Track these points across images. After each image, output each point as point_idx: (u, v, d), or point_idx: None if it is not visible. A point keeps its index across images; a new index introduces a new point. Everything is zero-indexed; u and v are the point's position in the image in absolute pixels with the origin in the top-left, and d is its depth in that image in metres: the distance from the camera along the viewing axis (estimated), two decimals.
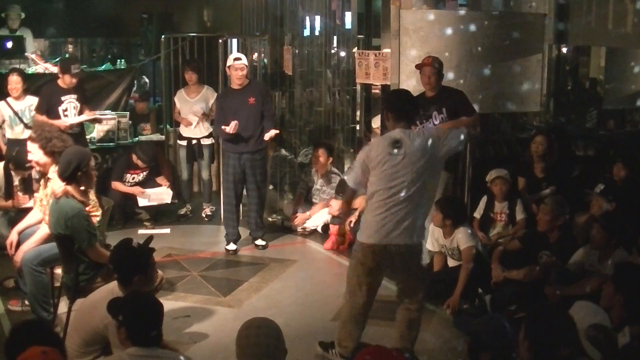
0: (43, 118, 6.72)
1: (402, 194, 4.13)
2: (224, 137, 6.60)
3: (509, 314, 4.84)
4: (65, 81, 6.87)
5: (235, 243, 6.79)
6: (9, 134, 6.98)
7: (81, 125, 7.19)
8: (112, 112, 8.14)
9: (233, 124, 6.36)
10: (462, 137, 4.27)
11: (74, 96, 6.98)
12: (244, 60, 6.57)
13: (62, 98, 6.90)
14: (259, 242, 6.88)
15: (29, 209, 5.37)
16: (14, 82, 6.93)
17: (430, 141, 4.19)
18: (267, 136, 6.56)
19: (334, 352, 4.54)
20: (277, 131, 6.72)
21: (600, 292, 4.24)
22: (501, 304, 5.11)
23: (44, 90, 7.04)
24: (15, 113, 6.95)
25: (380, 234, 4.17)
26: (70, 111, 6.97)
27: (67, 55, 10.12)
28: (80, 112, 7.05)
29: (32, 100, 7.01)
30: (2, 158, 6.29)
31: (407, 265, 4.30)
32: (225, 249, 6.76)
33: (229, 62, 6.55)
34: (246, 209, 7.05)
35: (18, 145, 6.21)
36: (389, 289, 4.99)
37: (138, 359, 3.05)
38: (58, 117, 6.85)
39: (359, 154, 4.43)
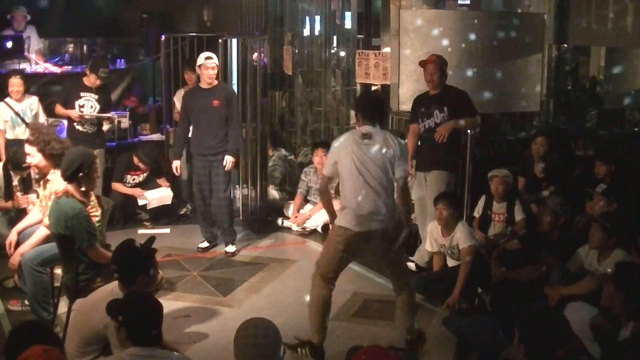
0: (60, 109, 6.96)
1: (372, 181, 4.42)
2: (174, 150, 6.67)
3: (509, 314, 4.84)
4: (90, 80, 7.05)
5: (209, 242, 6.80)
6: (10, 135, 6.97)
7: (98, 125, 7.20)
8: (113, 112, 8.11)
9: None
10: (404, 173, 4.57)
11: (94, 96, 7.08)
12: (215, 60, 6.50)
13: (82, 94, 7.04)
14: (229, 248, 6.68)
15: (27, 210, 5.38)
16: (16, 85, 6.93)
17: (393, 155, 4.47)
18: (226, 164, 6.42)
19: (305, 352, 4.61)
20: (233, 160, 6.50)
21: (599, 292, 4.25)
22: (501, 304, 5.11)
23: (68, 82, 7.39)
24: (17, 114, 6.94)
25: (357, 222, 4.42)
26: (87, 109, 7.06)
27: (68, 57, 10.12)
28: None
29: (32, 100, 7.04)
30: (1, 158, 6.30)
31: (383, 247, 4.56)
32: (198, 247, 6.78)
33: (200, 60, 6.48)
34: (214, 212, 6.72)
35: (16, 146, 6.22)
36: (389, 289, 5.00)
37: (138, 359, 3.05)
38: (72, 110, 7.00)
39: (331, 151, 4.62)
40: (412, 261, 6.27)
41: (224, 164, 6.44)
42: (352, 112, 7.76)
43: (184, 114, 6.59)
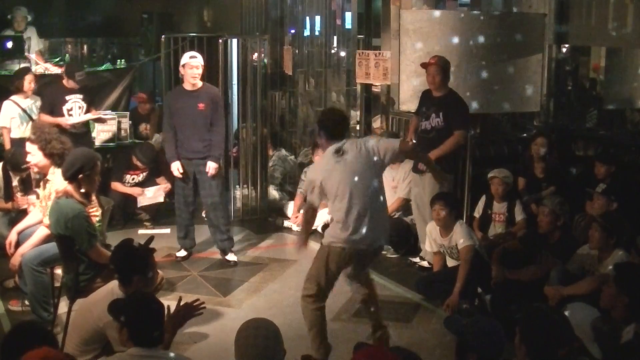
0: (47, 117, 6.75)
1: (356, 197, 4.30)
2: (167, 154, 6.37)
3: (509, 314, 4.84)
4: (69, 83, 6.96)
5: (186, 250, 6.52)
6: (16, 134, 6.88)
7: (87, 125, 7.18)
8: (112, 112, 8.12)
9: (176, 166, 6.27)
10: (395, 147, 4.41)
11: (79, 96, 7.01)
12: (200, 60, 6.21)
13: (67, 97, 6.94)
14: (231, 257, 6.49)
15: (28, 210, 5.38)
16: (32, 81, 6.91)
17: (370, 148, 4.36)
18: (209, 171, 6.20)
19: None
20: (217, 166, 6.24)
21: (600, 293, 4.25)
22: (501, 304, 5.11)
23: (49, 89, 7.13)
24: (24, 110, 6.91)
25: (348, 238, 4.32)
26: (75, 111, 6.99)
27: (68, 57, 10.11)
28: (87, 113, 7.10)
29: (36, 97, 7.02)
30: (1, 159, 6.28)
31: (367, 263, 4.58)
32: (175, 255, 6.52)
33: (184, 60, 6.20)
34: (210, 218, 6.55)
35: (16, 146, 6.21)
36: (389, 289, 5.01)
37: (139, 359, 3.06)
38: (62, 116, 6.90)
39: (309, 174, 4.56)
40: (423, 259, 6.29)
41: (207, 169, 6.23)
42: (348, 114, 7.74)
43: (168, 117, 6.31)
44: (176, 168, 6.27)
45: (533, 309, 3.11)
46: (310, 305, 4.45)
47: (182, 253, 6.54)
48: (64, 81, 6.97)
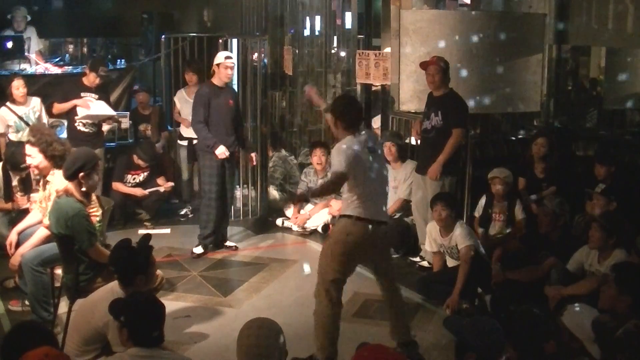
0: (61, 105, 6.91)
1: (381, 183, 4.52)
2: (207, 141, 6.43)
3: (509, 314, 4.84)
4: (89, 79, 7.05)
5: (205, 248, 6.61)
6: (14, 138, 6.87)
7: (99, 125, 7.20)
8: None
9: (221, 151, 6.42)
10: None
11: (94, 95, 7.07)
12: (234, 59, 6.64)
13: (82, 94, 7.01)
14: (229, 243, 6.84)
15: (29, 209, 5.38)
16: (21, 87, 6.86)
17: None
18: (255, 161, 7.11)
19: None
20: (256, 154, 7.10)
21: (599, 292, 4.25)
22: (501, 304, 5.11)
23: (67, 83, 7.34)
24: (20, 118, 6.90)
25: (374, 212, 4.39)
26: None
27: (68, 57, 10.12)
28: None
29: (35, 102, 7.01)
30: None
31: (383, 243, 4.59)
32: (192, 251, 6.59)
33: (219, 59, 6.46)
34: (224, 211, 6.85)
35: (15, 146, 6.21)
36: None
37: (139, 359, 3.06)
38: (73, 111, 6.96)
39: (344, 149, 4.30)
40: (423, 259, 6.30)
41: (253, 161, 7.12)
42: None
43: (203, 111, 6.41)
44: (222, 152, 6.41)
45: (511, 313, 3.18)
46: (323, 303, 4.45)
47: (200, 250, 6.60)
48: (84, 78, 7.08)
